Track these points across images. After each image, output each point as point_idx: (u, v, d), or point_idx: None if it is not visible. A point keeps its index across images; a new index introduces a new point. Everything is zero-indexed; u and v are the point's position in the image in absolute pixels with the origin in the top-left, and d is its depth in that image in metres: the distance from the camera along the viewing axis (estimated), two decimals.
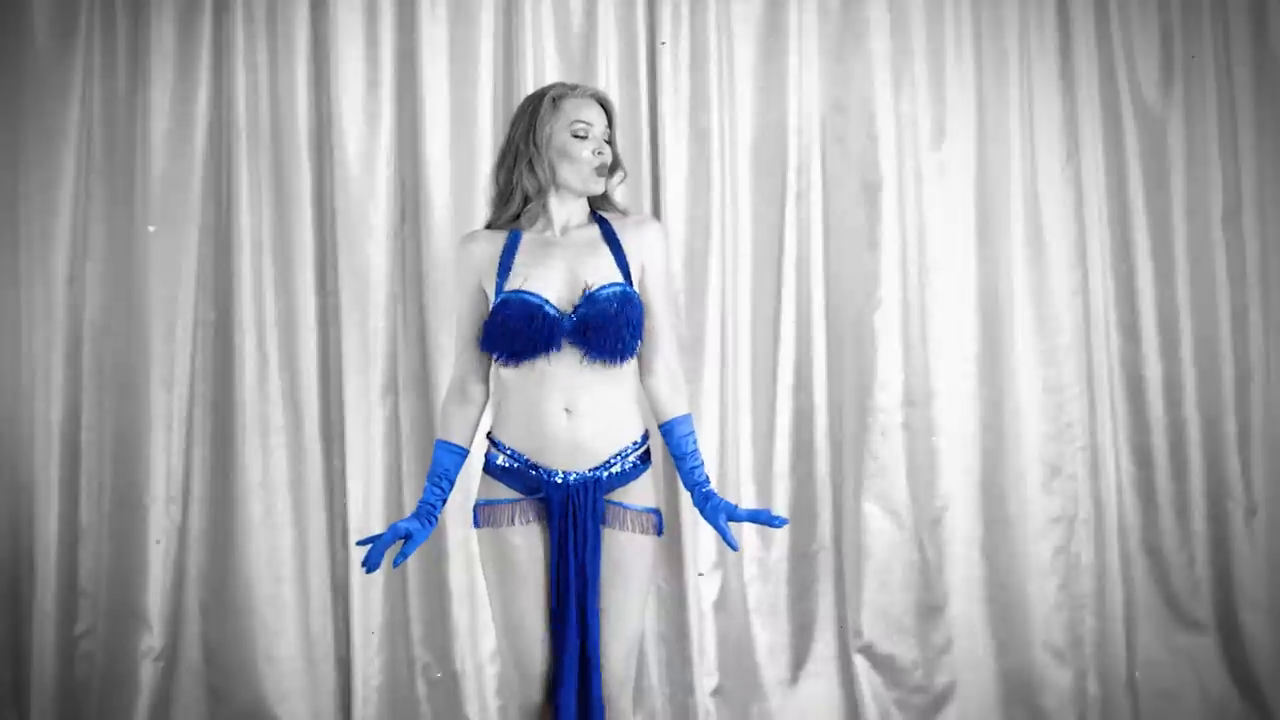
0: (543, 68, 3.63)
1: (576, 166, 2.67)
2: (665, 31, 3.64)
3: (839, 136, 3.72)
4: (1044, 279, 3.74)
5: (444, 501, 2.68)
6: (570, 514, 2.57)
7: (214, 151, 3.66)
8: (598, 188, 2.67)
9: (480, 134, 3.62)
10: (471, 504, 2.75)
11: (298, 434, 3.63)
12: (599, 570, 2.57)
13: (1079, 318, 3.74)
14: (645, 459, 2.64)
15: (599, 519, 2.58)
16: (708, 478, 2.69)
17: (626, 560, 2.59)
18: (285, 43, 3.64)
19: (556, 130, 2.68)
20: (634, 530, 2.60)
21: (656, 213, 3.63)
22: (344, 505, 3.62)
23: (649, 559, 2.63)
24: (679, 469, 2.69)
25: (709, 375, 3.63)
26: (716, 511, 2.62)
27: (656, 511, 2.65)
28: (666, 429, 2.70)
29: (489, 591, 2.63)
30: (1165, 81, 3.81)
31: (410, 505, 3.62)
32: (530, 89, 3.59)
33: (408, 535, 2.62)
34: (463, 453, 2.70)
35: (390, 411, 3.64)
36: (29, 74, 3.63)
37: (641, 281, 2.68)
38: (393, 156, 3.65)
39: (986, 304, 3.74)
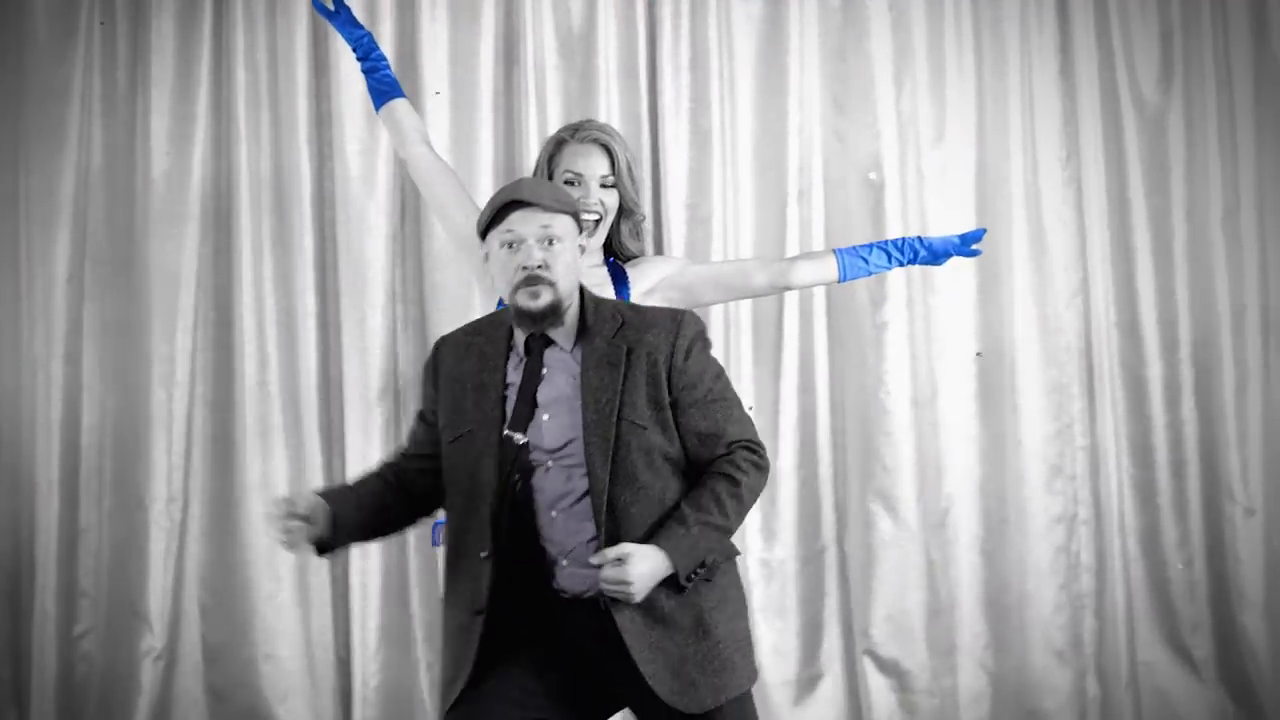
0: (543, 68, 3.62)
1: None
2: (665, 31, 3.64)
3: (840, 135, 3.72)
4: (1044, 279, 3.74)
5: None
6: None
7: (214, 152, 3.66)
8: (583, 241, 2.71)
9: (480, 134, 3.62)
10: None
11: (298, 434, 3.63)
12: None
13: (1079, 318, 3.74)
14: None
15: None
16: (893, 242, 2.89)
17: None
18: (285, 43, 3.64)
19: (555, 175, 2.73)
20: None
21: (658, 213, 3.63)
22: None
23: None
24: (883, 268, 2.91)
25: None
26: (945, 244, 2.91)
27: None
28: (841, 275, 2.88)
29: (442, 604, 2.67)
30: (1165, 81, 3.81)
31: None
32: (530, 89, 3.59)
33: None
34: (399, 94, 2.99)
35: (390, 411, 3.63)
36: (29, 74, 3.63)
37: (678, 278, 2.80)
38: (393, 156, 3.64)
39: (987, 304, 3.74)
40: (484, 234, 2.23)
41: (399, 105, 2.95)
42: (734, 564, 2.29)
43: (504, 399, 2.21)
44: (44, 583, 3.57)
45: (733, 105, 3.67)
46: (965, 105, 3.74)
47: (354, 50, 3.00)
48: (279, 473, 3.63)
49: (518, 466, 2.16)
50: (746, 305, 3.68)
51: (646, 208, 3.57)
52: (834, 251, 2.93)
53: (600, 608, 2.15)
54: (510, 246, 2.18)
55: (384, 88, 2.96)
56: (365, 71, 2.99)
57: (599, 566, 2.09)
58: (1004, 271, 3.72)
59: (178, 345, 3.62)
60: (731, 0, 3.67)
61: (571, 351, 2.22)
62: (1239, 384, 3.78)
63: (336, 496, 2.24)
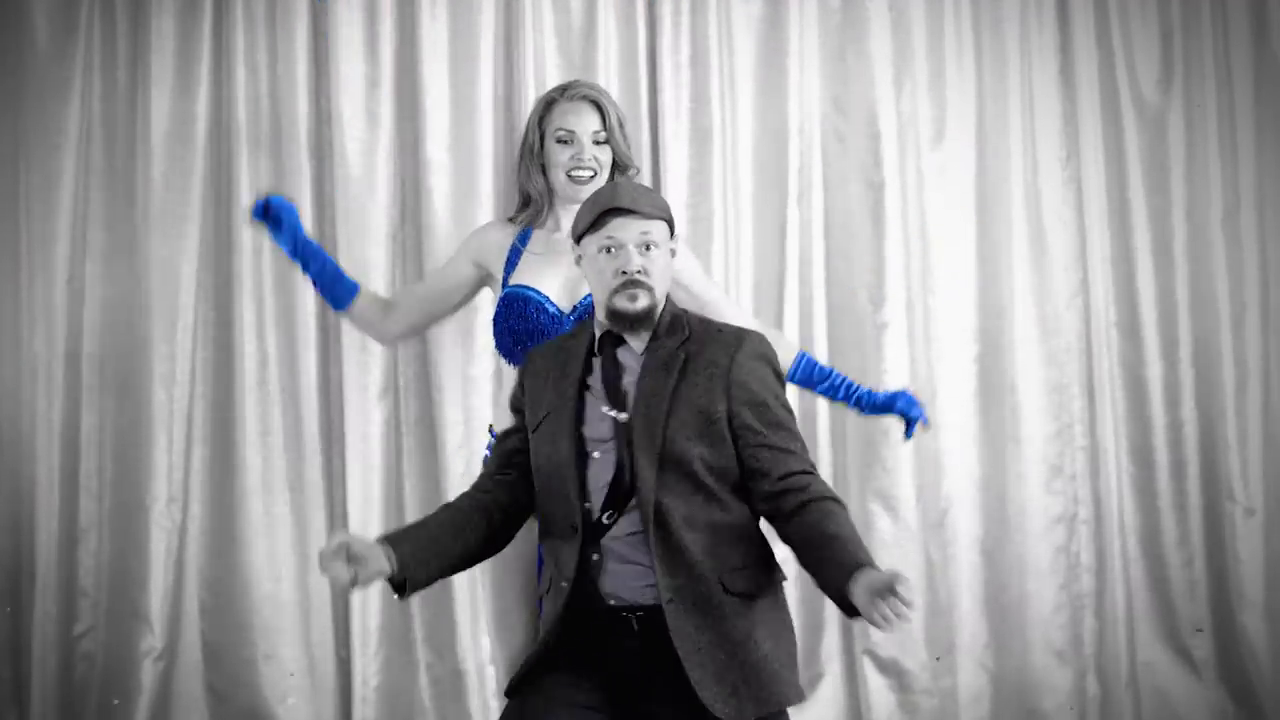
0: (543, 68, 3.62)
1: (556, 174, 2.70)
2: (665, 30, 3.64)
3: (840, 136, 3.72)
4: (1044, 279, 3.74)
5: (292, 234, 2.83)
6: None
7: (214, 151, 3.65)
8: (578, 196, 2.68)
9: (480, 134, 3.61)
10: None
11: (298, 434, 3.63)
12: None
13: (1079, 318, 3.74)
14: None
15: None
16: (846, 384, 2.85)
17: None
18: (285, 43, 3.63)
19: (547, 135, 2.72)
20: None
21: None
22: (344, 505, 3.62)
23: None
24: (829, 395, 2.85)
25: None
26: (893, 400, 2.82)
27: None
28: (790, 376, 2.80)
29: (481, 580, 2.66)
30: (1165, 81, 3.81)
31: (410, 505, 3.62)
32: (530, 89, 3.59)
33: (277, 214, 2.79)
34: (353, 288, 2.84)
35: (390, 412, 3.64)
36: (29, 74, 3.63)
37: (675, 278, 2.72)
38: (393, 156, 3.64)
39: (987, 304, 3.74)
40: (579, 238, 2.28)
41: (358, 301, 2.87)
42: (780, 588, 2.32)
43: (582, 388, 2.28)
44: (44, 583, 3.57)
45: (733, 104, 3.67)
46: (965, 105, 3.75)
47: (297, 254, 2.86)
48: (279, 473, 3.63)
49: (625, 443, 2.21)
50: (747, 306, 3.68)
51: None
52: (800, 354, 2.91)
53: (636, 626, 2.19)
54: (609, 251, 2.25)
55: (342, 285, 2.85)
56: (316, 273, 2.85)
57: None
58: (1004, 271, 3.72)
59: (178, 345, 3.62)
60: (731, 0, 3.67)
61: (640, 354, 2.29)
62: (1239, 384, 3.78)
63: (401, 536, 2.27)
